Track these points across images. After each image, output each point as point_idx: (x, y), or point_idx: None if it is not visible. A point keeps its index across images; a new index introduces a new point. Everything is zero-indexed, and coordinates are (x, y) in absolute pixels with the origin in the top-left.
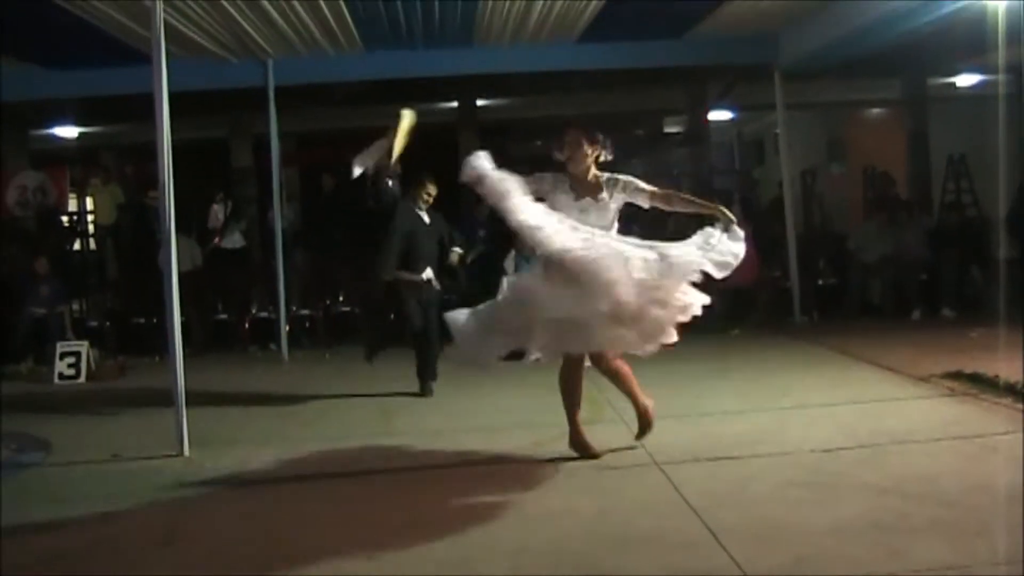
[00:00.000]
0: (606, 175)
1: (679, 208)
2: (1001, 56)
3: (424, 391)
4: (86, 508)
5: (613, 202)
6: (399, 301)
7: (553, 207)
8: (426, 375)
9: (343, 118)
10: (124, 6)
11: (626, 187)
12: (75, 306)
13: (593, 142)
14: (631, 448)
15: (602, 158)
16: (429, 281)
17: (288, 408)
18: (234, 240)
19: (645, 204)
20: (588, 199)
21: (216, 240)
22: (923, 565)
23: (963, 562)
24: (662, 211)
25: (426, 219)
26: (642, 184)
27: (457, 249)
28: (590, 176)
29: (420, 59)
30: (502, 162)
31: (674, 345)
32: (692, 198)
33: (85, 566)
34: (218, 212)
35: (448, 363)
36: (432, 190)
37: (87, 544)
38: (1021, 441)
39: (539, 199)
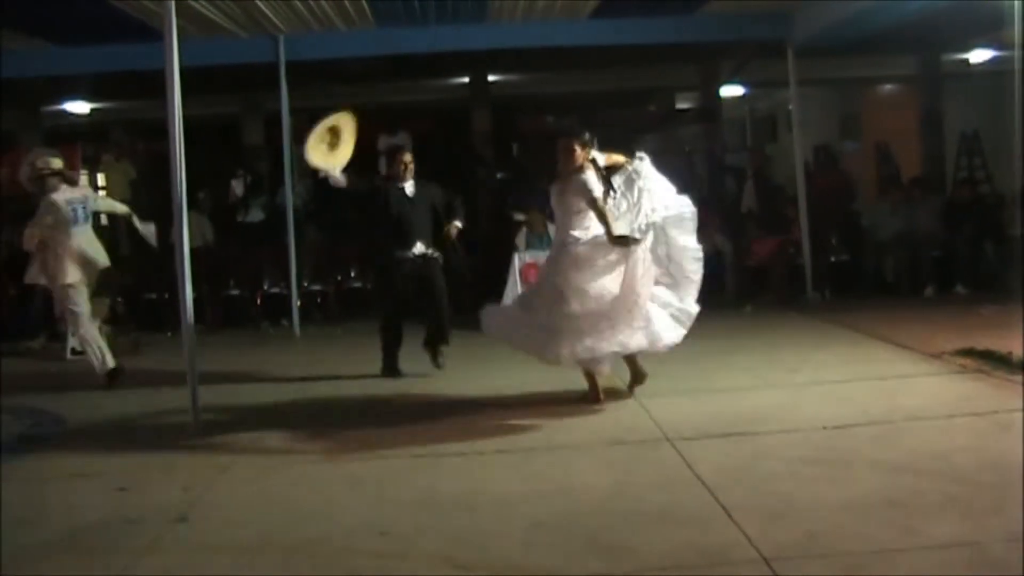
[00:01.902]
0: (594, 154)
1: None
2: (1017, 32)
3: (390, 371)
4: (100, 484)
5: (592, 176)
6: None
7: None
8: (391, 360)
9: (355, 95)
10: None
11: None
12: None
13: (583, 146)
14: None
15: (590, 155)
16: (423, 255)
17: (301, 384)
18: (255, 215)
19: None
20: (560, 183)
21: (240, 215)
22: (936, 542)
23: (976, 539)
24: None
25: (409, 192)
26: (593, 186)
27: (457, 223)
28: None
29: (432, 35)
30: (514, 138)
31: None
32: (611, 224)
33: (100, 542)
34: (236, 187)
35: (459, 337)
36: (407, 158)
37: (102, 520)
38: None
39: None
